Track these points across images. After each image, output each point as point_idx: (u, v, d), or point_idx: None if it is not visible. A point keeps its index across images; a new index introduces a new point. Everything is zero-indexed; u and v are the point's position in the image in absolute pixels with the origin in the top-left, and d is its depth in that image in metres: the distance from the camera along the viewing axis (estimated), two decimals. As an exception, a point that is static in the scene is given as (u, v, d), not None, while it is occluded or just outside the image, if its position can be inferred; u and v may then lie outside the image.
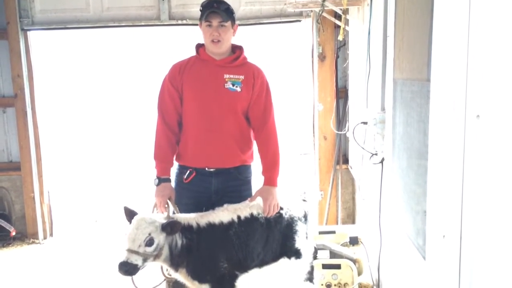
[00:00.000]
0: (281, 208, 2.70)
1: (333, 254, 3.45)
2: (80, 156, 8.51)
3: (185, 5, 4.67)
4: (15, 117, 4.82)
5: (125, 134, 9.33)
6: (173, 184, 2.74)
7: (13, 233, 4.79)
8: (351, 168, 4.49)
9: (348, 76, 4.47)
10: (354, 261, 3.36)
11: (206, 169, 2.70)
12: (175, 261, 2.50)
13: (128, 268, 2.29)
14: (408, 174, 2.13)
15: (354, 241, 3.67)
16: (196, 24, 2.83)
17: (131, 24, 4.69)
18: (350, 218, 4.78)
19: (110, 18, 4.69)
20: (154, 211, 2.66)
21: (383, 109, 2.71)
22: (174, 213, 2.64)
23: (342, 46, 4.49)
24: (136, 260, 2.31)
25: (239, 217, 2.57)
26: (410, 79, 2.11)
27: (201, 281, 2.53)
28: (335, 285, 3.26)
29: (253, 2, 4.64)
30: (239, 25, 2.81)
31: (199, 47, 2.74)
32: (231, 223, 2.54)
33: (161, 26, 4.75)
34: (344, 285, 3.26)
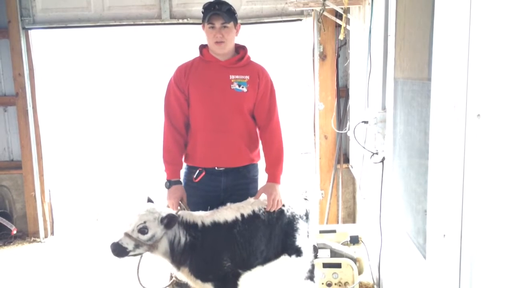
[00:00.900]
0: (283, 205, 2.71)
1: (334, 253, 3.45)
2: (81, 154, 8.51)
3: (186, 4, 4.67)
4: (16, 116, 4.83)
5: (126, 133, 9.33)
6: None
7: (14, 232, 4.80)
8: (352, 167, 4.49)
9: (349, 75, 4.47)
10: (355, 260, 3.36)
11: (216, 168, 2.73)
12: (177, 258, 2.50)
13: (116, 249, 2.35)
14: (409, 173, 2.13)
15: (354, 240, 3.67)
16: (197, 23, 2.85)
17: (132, 23, 4.70)
18: (351, 217, 4.79)
19: (111, 17, 4.69)
20: None
21: (384, 108, 2.71)
22: (184, 210, 2.66)
23: (343, 45, 4.49)
24: (128, 243, 2.36)
25: (242, 215, 2.58)
26: (411, 78, 2.11)
27: (204, 279, 2.54)
28: (335, 284, 3.27)
29: (254, 1, 4.64)
30: (240, 24, 2.82)
31: (203, 48, 2.75)
32: (235, 222, 2.56)
33: (162, 25, 4.75)
34: (345, 284, 3.26)
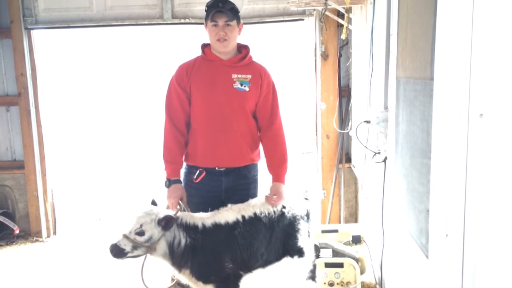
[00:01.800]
0: (284, 207, 2.71)
1: (336, 253, 3.45)
2: (83, 154, 8.53)
3: (188, 4, 4.67)
4: (18, 115, 4.84)
5: (128, 133, 9.35)
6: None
7: (17, 231, 4.81)
8: (354, 167, 4.48)
9: (351, 74, 4.47)
10: (357, 260, 3.36)
11: (217, 168, 2.72)
12: (177, 260, 2.50)
13: (114, 250, 2.39)
14: (411, 173, 2.13)
15: (356, 240, 3.66)
16: (199, 23, 2.85)
17: (134, 23, 4.70)
18: (353, 217, 4.78)
19: (113, 17, 4.70)
20: None
21: (386, 107, 2.71)
22: (184, 211, 2.65)
23: (345, 45, 4.48)
24: (125, 245, 2.39)
25: (243, 217, 2.58)
26: (413, 78, 2.11)
27: (205, 281, 2.53)
28: (337, 283, 3.26)
29: (256, 0, 4.64)
30: (243, 23, 2.81)
31: (204, 47, 2.74)
32: (236, 223, 2.55)
33: (164, 25, 4.76)
34: (347, 283, 3.26)
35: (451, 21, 1.46)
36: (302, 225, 2.76)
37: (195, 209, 2.68)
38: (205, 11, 2.64)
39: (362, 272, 3.33)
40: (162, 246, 2.46)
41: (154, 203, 2.60)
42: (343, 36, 3.65)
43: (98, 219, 5.74)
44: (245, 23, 2.84)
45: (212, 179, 2.73)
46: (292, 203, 2.77)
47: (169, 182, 2.66)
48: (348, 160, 4.70)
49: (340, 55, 4.51)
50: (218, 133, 2.67)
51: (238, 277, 2.60)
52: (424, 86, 1.89)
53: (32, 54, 4.79)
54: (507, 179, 1.09)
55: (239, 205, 2.64)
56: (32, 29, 4.73)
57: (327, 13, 4.05)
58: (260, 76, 2.70)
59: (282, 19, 4.67)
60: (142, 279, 2.60)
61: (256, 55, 2.81)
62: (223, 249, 2.53)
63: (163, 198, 2.68)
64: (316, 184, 4.75)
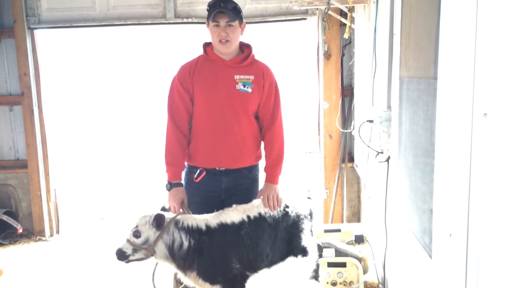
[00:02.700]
0: (287, 206, 2.70)
1: (339, 253, 3.44)
2: (86, 154, 8.55)
3: (190, 3, 4.67)
4: (22, 115, 4.85)
5: (131, 132, 9.37)
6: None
7: (20, 231, 4.83)
8: (357, 166, 4.48)
9: (354, 74, 4.46)
10: (360, 260, 3.35)
11: (217, 168, 2.71)
12: (180, 263, 2.50)
13: (118, 253, 2.48)
14: (415, 173, 2.12)
15: (359, 239, 3.66)
16: (202, 22, 2.84)
17: (137, 22, 4.71)
18: (356, 216, 4.78)
19: (116, 16, 4.71)
20: None
21: (389, 107, 2.70)
22: (185, 213, 2.65)
23: (347, 44, 4.48)
24: (127, 248, 2.46)
25: (249, 217, 2.57)
26: (417, 77, 2.10)
27: (212, 282, 2.52)
28: (340, 283, 3.26)
29: (258, 0, 4.64)
30: (245, 23, 2.80)
31: (206, 46, 2.72)
32: (242, 223, 2.55)
33: (167, 25, 4.76)
34: (350, 283, 3.26)
35: (455, 20, 1.45)
36: (305, 224, 2.76)
37: (195, 209, 2.67)
38: (207, 10, 2.62)
39: (364, 272, 3.33)
40: (162, 249, 2.47)
41: (164, 209, 2.62)
42: (346, 36, 3.64)
43: (101, 218, 5.76)
44: (247, 23, 2.82)
45: (212, 179, 2.72)
46: (295, 202, 2.77)
47: (170, 185, 2.66)
48: (351, 159, 4.70)
49: (343, 55, 4.50)
50: (220, 135, 2.65)
51: (245, 278, 2.60)
52: (428, 86, 1.88)
53: (35, 53, 4.80)
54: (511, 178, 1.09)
55: (244, 206, 2.63)
56: (35, 28, 4.75)
57: (330, 12, 4.05)
58: (262, 76, 2.68)
59: (284, 18, 4.66)
60: (153, 283, 2.62)
61: (258, 55, 2.79)
62: (230, 249, 2.53)
63: (161, 197, 2.69)
64: (319, 184, 4.75)
